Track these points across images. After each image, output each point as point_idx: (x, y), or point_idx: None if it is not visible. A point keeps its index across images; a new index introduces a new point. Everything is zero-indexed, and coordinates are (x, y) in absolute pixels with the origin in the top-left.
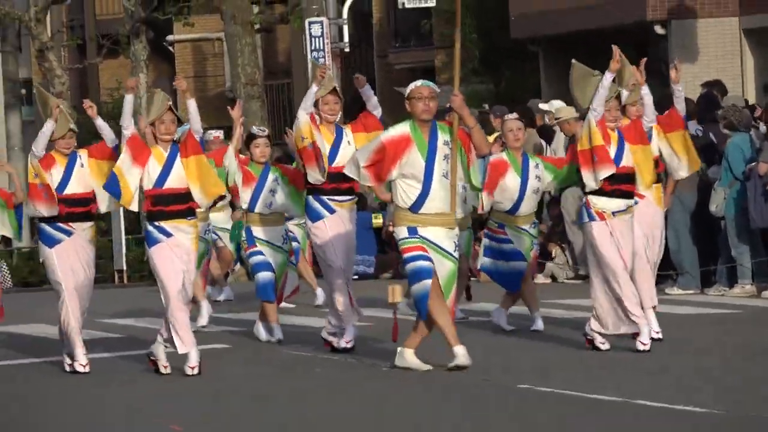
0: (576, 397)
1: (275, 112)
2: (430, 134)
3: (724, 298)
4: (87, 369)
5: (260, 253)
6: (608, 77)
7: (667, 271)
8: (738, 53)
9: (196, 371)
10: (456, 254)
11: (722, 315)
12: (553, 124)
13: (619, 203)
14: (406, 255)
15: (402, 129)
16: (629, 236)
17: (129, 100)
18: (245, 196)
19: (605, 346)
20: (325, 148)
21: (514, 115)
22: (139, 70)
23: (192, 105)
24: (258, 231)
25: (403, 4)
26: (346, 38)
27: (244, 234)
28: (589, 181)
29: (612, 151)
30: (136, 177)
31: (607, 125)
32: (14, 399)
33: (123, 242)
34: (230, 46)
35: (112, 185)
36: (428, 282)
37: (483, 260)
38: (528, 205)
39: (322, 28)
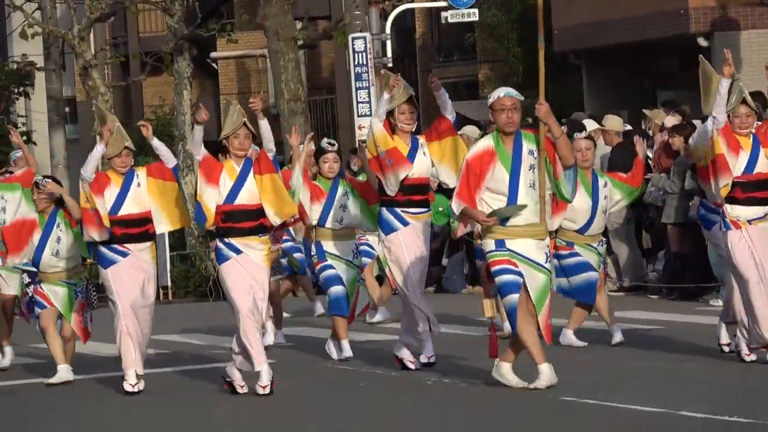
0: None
1: (319, 128)
2: (515, 145)
3: None
4: (135, 389)
5: (331, 266)
6: (725, 84)
7: (709, 284)
8: None
9: (267, 390)
10: (548, 266)
11: None
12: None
13: (756, 211)
14: (493, 269)
15: (485, 143)
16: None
17: (199, 130)
18: (315, 212)
19: (750, 358)
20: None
21: (584, 134)
22: (183, 87)
23: (264, 124)
24: (329, 246)
25: (446, 18)
26: (390, 53)
27: (314, 249)
28: (710, 194)
29: (744, 158)
30: (213, 196)
31: (739, 132)
32: (61, 417)
33: (168, 258)
34: (274, 63)
35: (199, 214)
36: (515, 296)
37: (556, 281)
38: (598, 225)
39: (365, 43)
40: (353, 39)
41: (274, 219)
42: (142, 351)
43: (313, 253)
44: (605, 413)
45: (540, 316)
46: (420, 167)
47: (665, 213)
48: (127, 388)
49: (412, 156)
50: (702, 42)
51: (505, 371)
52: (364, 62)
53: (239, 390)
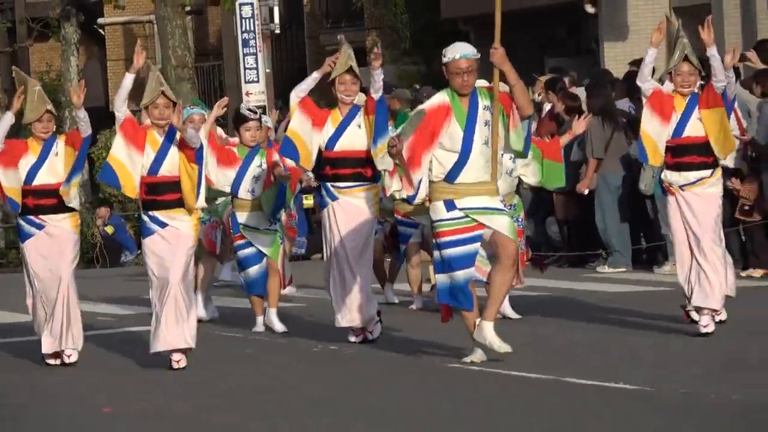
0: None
1: (207, 94)
2: (470, 101)
3: (656, 276)
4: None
5: (248, 244)
6: (651, 53)
7: (596, 250)
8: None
9: (183, 364)
10: (507, 210)
11: (653, 292)
12: None
13: (686, 176)
14: (440, 240)
15: (441, 98)
16: (705, 211)
17: (129, 79)
18: (227, 178)
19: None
20: (329, 131)
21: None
22: (70, 53)
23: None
24: (243, 217)
25: None
26: (277, 20)
27: (229, 221)
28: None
29: (673, 122)
30: (138, 162)
31: (680, 91)
32: None
33: None
34: (161, 29)
35: (109, 176)
36: (471, 270)
37: None
38: (502, 186)
39: (253, 9)
40: (240, 5)
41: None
42: (74, 322)
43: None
44: (498, 380)
45: (516, 245)
46: (350, 140)
47: None
48: (51, 361)
49: (342, 128)
50: (589, 9)
51: (488, 331)
52: (252, 28)
53: (174, 365)
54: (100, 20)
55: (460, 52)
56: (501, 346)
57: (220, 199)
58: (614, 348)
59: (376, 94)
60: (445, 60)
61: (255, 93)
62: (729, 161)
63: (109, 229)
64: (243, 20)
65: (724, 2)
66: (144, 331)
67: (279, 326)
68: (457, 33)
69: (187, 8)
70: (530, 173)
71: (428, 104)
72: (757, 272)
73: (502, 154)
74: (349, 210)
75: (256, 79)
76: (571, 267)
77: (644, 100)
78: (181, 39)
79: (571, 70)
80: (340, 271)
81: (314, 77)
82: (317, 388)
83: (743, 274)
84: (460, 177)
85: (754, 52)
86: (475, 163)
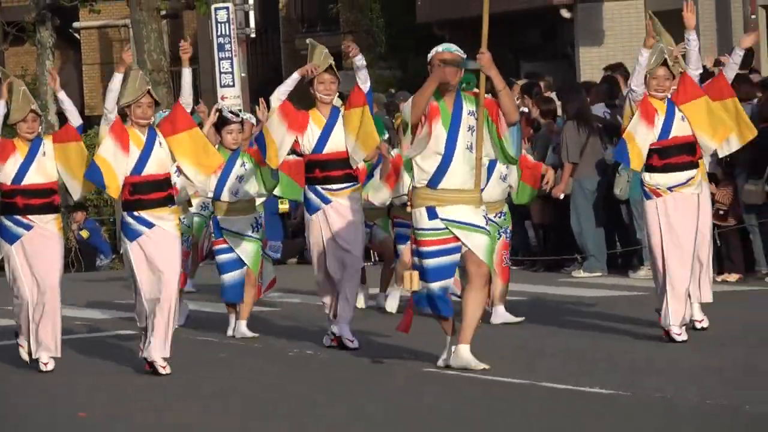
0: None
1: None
2: (455, 104)
3: (631, 281)
4: (48, 367)
5: (228, 249)
6: (644, 54)
7: (572, 255)
8: (644, 36)
9: (168, 370)
10: (488, 228)
11: (628, 297)
12: None
13: (677, 177)
14: (422, 249)
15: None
16: (691, 212)
17: (118, 80)
18: (210, 183)
19: (681, 337)
20: (315, 134)
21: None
22: (45, 57)
23: (187, 74)
24: (225, 222)
25: None
26: (252, 24)
27: (210, 224)
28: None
29: (658, 125)
30: (123, 163)
31: (655, 95)
32: None
33: None
34: (136, 33)
35: (95, 174)
36: (439, 284)
37: None
38: (495, 192)
39: (228, 14)
40: (216, 9)
41: (195, 177)
42: (55, 326)
43: (210, 229)
44: (469, 383)
45: (488, 273)
46: (337, 141)
47: None
48: (41, 367)
49: (328, 130)
50: (565, 13)
51: (464, 353)
52: (227, 33)
53: (161, 371)
54: (76, 24)
55: (444, 46)
56: (478, 364)
57: (196, 219)
58: (589, 352)
59: (365, 86)
60: (429, 56)
61: (230, 97)
62: (731, 145)
63: (84, 234)
64: (218, 24)
65: (700, 7)
66: (121, 335)
67: (249, 334)
68: (433, 37)
69: (163, 12)
70: (512, 180)
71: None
72: (732, 277)
73: (488, 161)
74: (342, 212)
75: (231, 84)
76: (546, 271)
77: (634, 104)
78: (156, 43)
79: (547, 75)
80: (332, 273)
81: (294, 78)
82: (302, 391)
83: (718, 278)
84: (443, 182)
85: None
86: (458, 169)
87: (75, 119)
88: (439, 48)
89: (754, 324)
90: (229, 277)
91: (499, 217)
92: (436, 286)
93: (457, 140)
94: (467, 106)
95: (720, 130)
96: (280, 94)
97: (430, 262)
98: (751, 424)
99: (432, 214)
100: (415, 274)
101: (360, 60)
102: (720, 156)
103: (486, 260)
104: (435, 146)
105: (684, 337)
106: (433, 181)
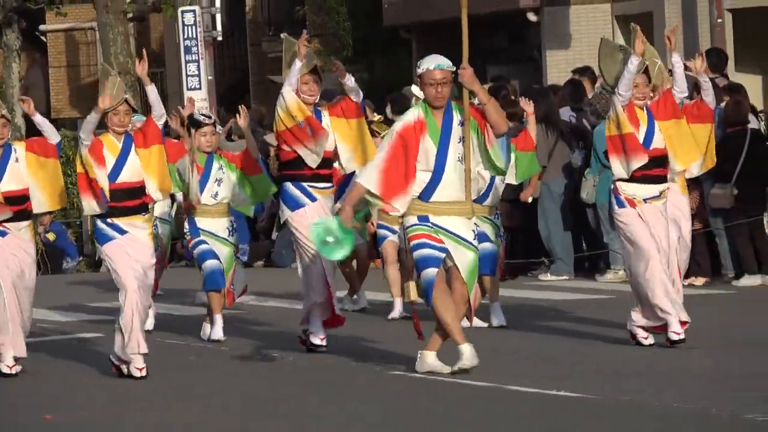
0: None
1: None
2: (444, 116)
3: (597, 284)
4: (13, 371)
5: (204, 242)
6: (634, 61)
7: (539, 258)
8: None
9: (144, 373)
10: (476, 243)
11: (595, 300)
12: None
13: (652, 189)
14: (412, 243)
15: (415, 114)
16: (662, 223)
17: (94, 120)
18: (193, 184)
19: (648, 341)
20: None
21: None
22: (12, 59)
23: (152, 90)
24: (202, 222)
25: None
26: (219, 27)
27: (187, 226)
28: (619, 170)
29: (641, 135)
30: (103, 177)
31: (636, 103)
32: None
33: None
34: (102, 35)
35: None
36: (434, 270)
37: None
38: (496, 195)
39: (195, 16)
40: (183, 12)
41: (156, 195)
42: (25, 332)
43: (186, 230)
44: (441, 388)
45: (468, 294)
46: (328, 143)
47: None
48: (4, 369)
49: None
50: (531, 17)
51: (431, 361)
52: (194, 36)
53: (136, 373)
54: (42, 27)
55: (434, 62)
56: (443, 367)
57: (162, 226)
58: (557, 355)
59: (357, 98)
60: (419, 71)
61: (197, 100)
62: (693, 170)
63: (51, 236)
64: (185, 27)
65: (666, 11)
66: (88, 338)
67: (223, 337)
68: (399, 41)
69: (129, 15)
70: (510, 175)
71: (403, 123)
72: (699, 281)
73: (477, 171)
74: (327, 211)
75: (198, 87)
76: (512, 275)
77: (621, 108)
78: (122, 46)
79: (513, 79)
80: (326, 265)
81: (298, 66)
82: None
83: (685, 282)
84: (434, 196)
85: (700, 58)
86: (450, 181)
87: (54, 137)
88: (430, 65)
89: (722, 327)
90: (209, 264)
91: (497, 217)
92: (428, 272)
93: (448, 153)
94: (457, 117)
95: (689, 155)
96: (291, 86)
97: (419, 252)
98: (719, 427)
99: (423, 219)
100: (413, 284)
101: (350, 80)
102: (678, 172)
103: (468, 281)
104: (425, 162)
105: (651, 340)
106: (424, 195)
